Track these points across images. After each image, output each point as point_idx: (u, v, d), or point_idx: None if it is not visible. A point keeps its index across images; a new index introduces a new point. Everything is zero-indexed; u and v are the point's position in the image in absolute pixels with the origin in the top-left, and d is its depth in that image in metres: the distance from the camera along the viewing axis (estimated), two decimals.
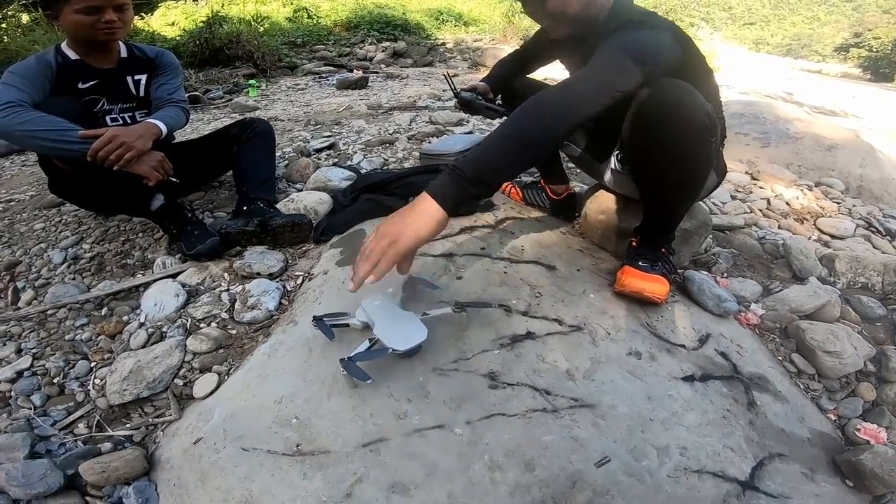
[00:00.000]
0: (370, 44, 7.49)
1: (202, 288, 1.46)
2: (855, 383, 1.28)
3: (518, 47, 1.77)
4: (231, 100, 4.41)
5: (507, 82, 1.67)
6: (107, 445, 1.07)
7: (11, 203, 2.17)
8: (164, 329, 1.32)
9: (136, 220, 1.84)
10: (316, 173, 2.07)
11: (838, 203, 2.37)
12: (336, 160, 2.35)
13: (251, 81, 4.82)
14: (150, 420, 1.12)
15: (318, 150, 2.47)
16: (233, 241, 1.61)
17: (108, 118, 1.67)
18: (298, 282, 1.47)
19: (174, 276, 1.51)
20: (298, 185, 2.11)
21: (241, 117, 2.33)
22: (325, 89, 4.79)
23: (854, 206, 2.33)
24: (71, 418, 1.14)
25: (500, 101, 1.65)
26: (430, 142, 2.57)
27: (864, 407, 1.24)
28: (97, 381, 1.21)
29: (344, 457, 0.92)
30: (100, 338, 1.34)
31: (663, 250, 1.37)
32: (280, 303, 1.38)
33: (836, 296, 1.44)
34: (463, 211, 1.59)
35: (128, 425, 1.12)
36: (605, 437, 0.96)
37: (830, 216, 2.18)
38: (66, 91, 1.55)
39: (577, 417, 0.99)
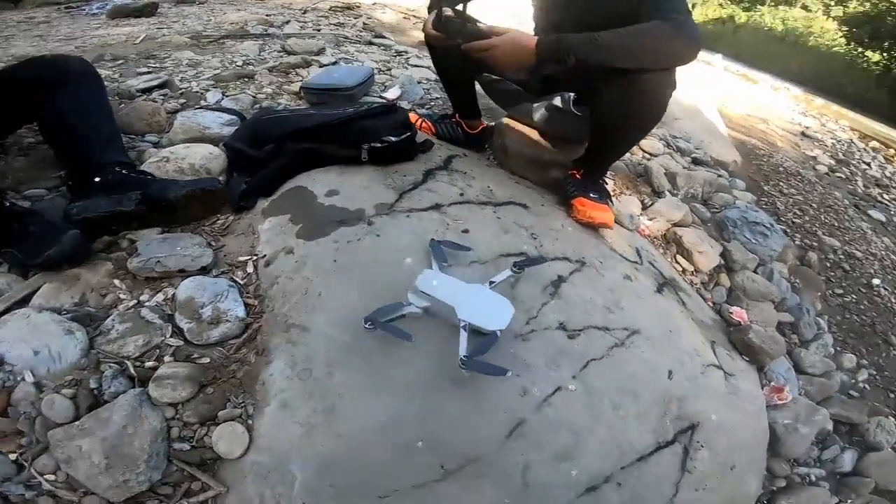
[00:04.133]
0: None
1: (96, 311, 0.96)
2: (716, 275, 1.81)
3: None
4: None
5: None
6: None
7: None
8: (91, 384, 0.85)
9: None
10: (180, 120, 1.54)
11: None
12: (184, 101, 1.76)
13: None
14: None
15: (146, 90, 1.84)
16: (96, 230, 1.09)
17: None
18: (249, 270, 1.10)
19: (22, 302, 0.93)
20: (151, 138, 1.52)
21: (30, 57, 1.51)
22: (87, 20, 3.59)
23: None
24: None
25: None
26: (307, 75, 2.26)
27: (727, 293, 1.77)
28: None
29: (497, 454, 0.84)
30: None
31: (603, 181, 1.59)
32: (245, 305, 1.02)
33: (686, 206, 1.96)
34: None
35: None
36: (662, 354, 1.16)
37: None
38: None
39: (636, 342, 1.14)
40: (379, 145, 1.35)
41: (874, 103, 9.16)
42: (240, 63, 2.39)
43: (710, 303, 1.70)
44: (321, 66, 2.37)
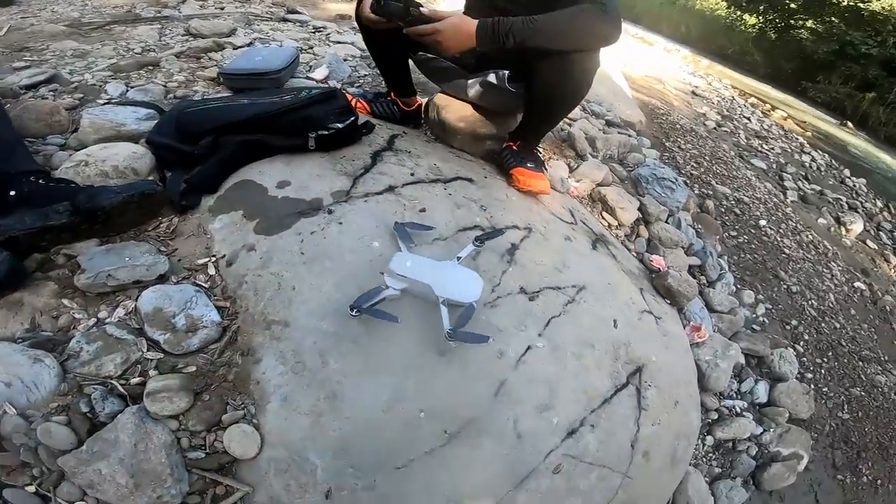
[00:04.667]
0: None
1: (54, 335, 0.91)
2: (636, 227, 2.02)
3: None
4: None
5: None
6: None
7: None
8: (83, 408, 0.84)
9: None
10: (88, 118, 1.38)
11: None
12: (80, 96, 1.57)
13: None
14: None
15: (31, 87, 1.62)
16: (25, 248, 1.02)
17: None
18: (210, 272, 1.08)
19: None
20: (55, 140, 1.37)
21: None
22: None
23: None
24: None
25: None
26: (222, 59, 2.13)
27: (646, 243, 1.99)
28: None
29: (489, 413, 0.95)
30: None
31: (537, 150, 1.70)
32: (218, 308, 1.01)
33: (606, 167, 2.15)
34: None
35: None
36: (605, 306, 1.31)
37: None
38: None
39: (584, 297, 1.29)
40: (326, 133, 1.34)
41: (751, 63, 10.29)
42: (138, 50, 2.19)
43: (633, 253, 1.90)
44: (235, 48, 2.23)
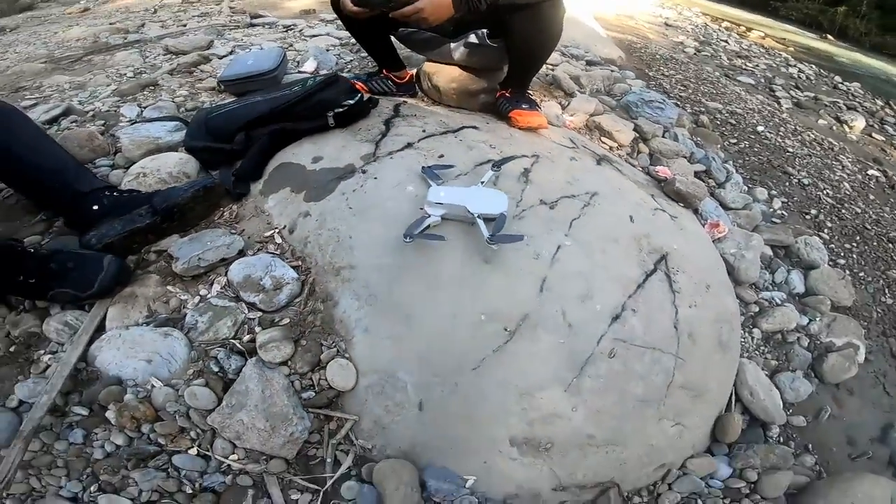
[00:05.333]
0: None
1: (170, 315, 1.12)
2: (636, 145, 2.16)
3: None
4: None
5: None
6: None
7: None
8: (214, 369, 1.05)
9: None
10: (126, 138, 1.56)
11: None
12: (103, 122, 1.75)
13: None
14: (336, 440, 1.00)
15: (52, 121, 1.77)
16: (120, 252, 1.20)
17: None
18: (278, 241, 1.27)
19: (99, 329, 1.09)
20: (104, 162, 1.55)
21: None
22: None
23: None
24: None
25: None
26: (212, 70, 2.27)
27: (649, 158, 2.13)
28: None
29: (538, 308, 1.15)
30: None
31: (528, 93, 1.86)
32: (293, 268, 1.21)
33: (595, 99, 2.30)
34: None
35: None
36: (618, 206, 1.47)
37: None
38: None
39: (598, 201, 1.44)
40: (341, 110, 1.52)
41: None
42: (131, 74, 2.31)
43: (638, 168, 2.05)
44: (220, 58, 2.38)
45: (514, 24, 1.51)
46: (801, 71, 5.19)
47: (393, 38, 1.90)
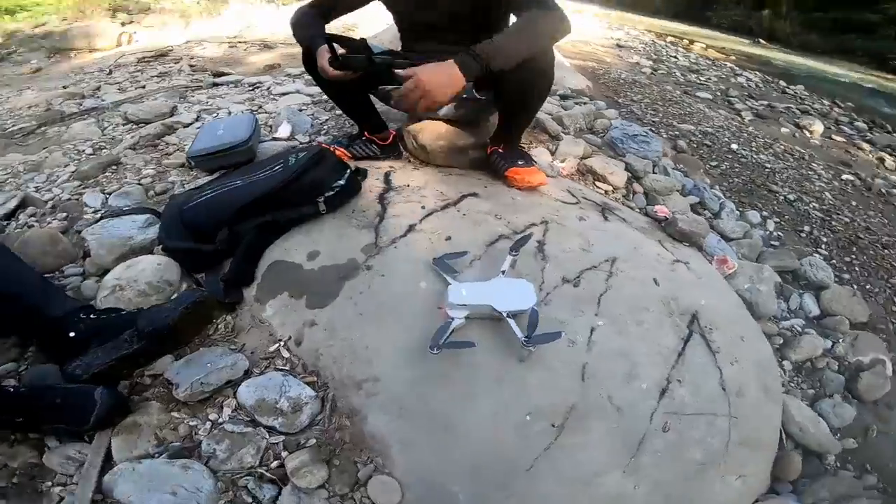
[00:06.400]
0: None
1: (182, 445, 1.00)
2: (630, 186, 2.13)
3: (305, 5, 1.63)
4: None
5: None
6: None
7: None
8: (247, 499, 0.95)
9: None
10: (93, 240, 1.40)
11: None
12: (64, 215, 1.57)
13: None
14: None
15: (9, 216, 1.60)
16: (110, 380, 1.08)
17: None
18: (285, 355, 1.14)
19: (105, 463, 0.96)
20: (73, 270, 1.38)
21: None
22: None
23: None
24: None
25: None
26: (178, 141, 2.10)
27: (645, 198, 2.10)
28: None
29: (582, 396, 1.06)
30: None
31: (521, 147, 1.80)
32: (308, 384, 1.09)
33: (581, 140, 2.27)
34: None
35: None
36: (640, 268, 1.41)
37: None
38: None
39: (619, 267, 1.38)
40: (332, 193, 1.41)
41: (646, 3, 10.81)
42: (90, 151, 2.11)
43: (636, 210, 2.01)
44: (185, 126, 2.22)
45: (506, 77, 1.42)
46: (748, 80, 5.44)
47: (371, 96, 1.82)
